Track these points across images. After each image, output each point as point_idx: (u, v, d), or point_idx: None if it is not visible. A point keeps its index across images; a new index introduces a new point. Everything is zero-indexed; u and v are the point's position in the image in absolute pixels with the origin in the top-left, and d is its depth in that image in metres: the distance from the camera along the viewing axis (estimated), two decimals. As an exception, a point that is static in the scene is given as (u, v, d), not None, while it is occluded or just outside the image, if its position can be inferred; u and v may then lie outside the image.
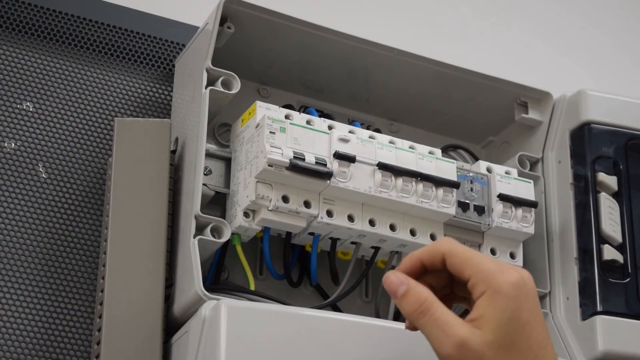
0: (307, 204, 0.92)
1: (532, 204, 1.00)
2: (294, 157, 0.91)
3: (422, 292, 0.77)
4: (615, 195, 1.02)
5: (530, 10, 1.47)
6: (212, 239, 0.90)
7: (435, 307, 0.76)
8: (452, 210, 0.96)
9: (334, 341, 0.85)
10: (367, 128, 1.02)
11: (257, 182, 0.91)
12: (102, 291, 0.91)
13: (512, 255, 1.00)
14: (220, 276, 0.96)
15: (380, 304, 0.99)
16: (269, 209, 0.91)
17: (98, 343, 0.89)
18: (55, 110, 1.01)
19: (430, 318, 0.76)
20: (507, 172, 1.01)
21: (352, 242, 0.96)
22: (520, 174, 1.03)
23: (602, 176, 1.02)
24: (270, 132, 0.91)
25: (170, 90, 1.06)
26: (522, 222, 0.99)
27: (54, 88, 1.02)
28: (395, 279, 0.78)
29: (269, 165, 0.90)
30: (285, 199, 0.91)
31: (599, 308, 0.98)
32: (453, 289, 0.81)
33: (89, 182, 0.99)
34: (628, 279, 0.99)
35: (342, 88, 1.07)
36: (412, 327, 0.79)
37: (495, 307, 0.75)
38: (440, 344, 0.75)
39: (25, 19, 1.03)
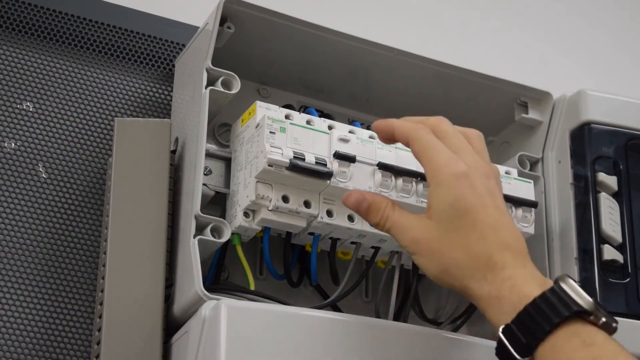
0: (307, 204, 0.92)
1: (532, 204, 1.00)
2: (294, 157, 0.90)
3: (381, 202, 0.86)
4: (615, 195, 1.02)
5: (530, 10, 1.47)
6: (212, 239, 0.90)
7: (393, 213, 0.85)
8: (452, 210, 0.96)
9: (334, 341, 0.84)
10: (367, 128, 1.02)
11: (257, 182, 0.91)
12: (102, 291, 0.91)
13: (512, 255, 1.00)
14: (220, 276, 0.96)
15: (380, 304, 0.99)
16: (269, 209, 0.91)
17: (98, 343, 0.89)
18: (55, 110, 1.01)
19: (391, 224, 0.84)
20: (507, 172, 1.01)
21: (352, 242, 0.96)
22: (520, 174, 1.03)
23: (602, 176, 1.02)
24: (270, 132, 0.91)
25: (170, 90, 1.06)
26: (522, 222, 0.99)
27: (54, 88, 1.02)
28: (358, 197, 0.86)
29: (269, 165, 0.90)
30: (285, 199, 0.91)
31: (599, 308, 0.98)
32: None
33: (89, 182, 0.99)
34: (628, 279, 0.99)
35: (342, 88, 1.06)
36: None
37: (436, 198, 0.82)
38: (401, 241, 0.84)
39: (25, 19, 1.03)
